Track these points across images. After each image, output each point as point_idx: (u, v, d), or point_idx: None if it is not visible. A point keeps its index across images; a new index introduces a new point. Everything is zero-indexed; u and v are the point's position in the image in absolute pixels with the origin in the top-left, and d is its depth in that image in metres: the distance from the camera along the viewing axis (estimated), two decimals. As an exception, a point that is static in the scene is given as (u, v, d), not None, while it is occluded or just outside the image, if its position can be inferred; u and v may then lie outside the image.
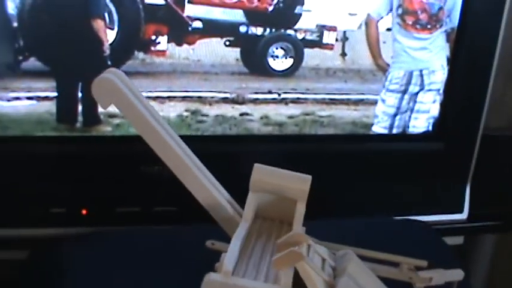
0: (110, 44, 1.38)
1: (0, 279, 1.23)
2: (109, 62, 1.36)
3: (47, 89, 1.35)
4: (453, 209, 1.63)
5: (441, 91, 1.53)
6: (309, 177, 1.05)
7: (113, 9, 1.35)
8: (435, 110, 1.54)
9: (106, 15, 1.35)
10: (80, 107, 1.38)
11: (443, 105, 1.53)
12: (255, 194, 1.07)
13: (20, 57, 1.33)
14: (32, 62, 1.34)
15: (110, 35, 1.37)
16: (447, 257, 1.37)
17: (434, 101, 1.54)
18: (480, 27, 1.48)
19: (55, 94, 1.36)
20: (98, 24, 1.34)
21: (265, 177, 1.03)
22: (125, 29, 1.37)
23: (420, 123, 1.55)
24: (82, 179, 1.39)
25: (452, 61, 1.50)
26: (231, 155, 1.44)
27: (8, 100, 1.35)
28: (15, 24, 1.31)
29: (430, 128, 1.57)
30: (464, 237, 1.69)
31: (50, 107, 1.36)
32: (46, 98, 1.36)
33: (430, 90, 1.52)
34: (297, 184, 1.05)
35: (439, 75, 1.51)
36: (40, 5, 1.31)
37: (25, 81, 1.34)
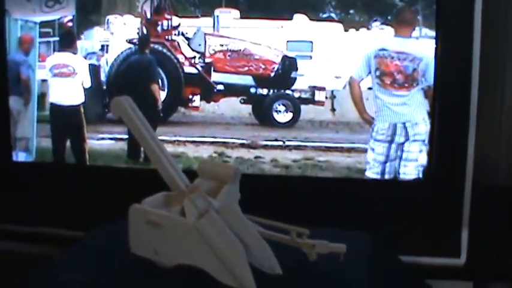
0: (162, 101, 1.37)
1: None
2: (161, 114, 1.34)
3: (122, 132, 1.36)
4: (449, 254, 1.19)
5: (426, 141, 1.20)
6: (236, 167, 0.92)
7: (164, 76, 1.36)
8: (423, 159, 1.21)
9: (160, 81, 1.36)
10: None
11: (429, 154, 1.19)
12: (200, 178, 0.96)
13: (106, 110, 1.38)
14: (113, 113, 1.37)
15: (162, 95, 1.37)
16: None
17: (421, 151, 1.22)
18: (453, 84, 1.17)
19: (126, 136, 1.36)
20: (155, 87, 1.37)
21: (205, 166, 0.92)
22: (172, 90, 1.37)
23: (410, 171, 1.23)
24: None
25: (432, 114, 1.19)
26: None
27: (97, 139, 1.38)
28: (104, 87, 1.37)
29: (421, 175, 1.22)
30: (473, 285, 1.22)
31: (123, 145, 1.37)
32: (121, 139, 1.36)
33: (415, 140, 1.23)
34: (225, 170, 0.92)
35: (422, 127, 1.22)
36: (120, 75, 1.39)
37: (108, 127, 1.37)
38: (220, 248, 0.79)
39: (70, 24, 1.40)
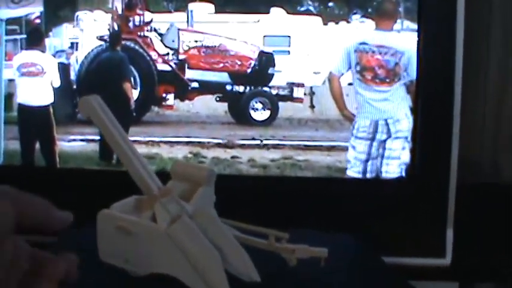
0: (135, 100, 1.30)
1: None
2: (134, 114, 1.27)
3: (93, 133, 1.29)
4: (434, 254, 1.14)
5: (409, 139, 1.14)
6: (211, 168, 0.85)
7: (136, 74, 1.29)
8: (406, 157, 1.15)
9: (132, 79, 1.28)
10: (114, 148, 1.27)
11: (412, 152, 1.14)
12: (173, 181, 0.89)
13: (77, 110, 1.31)
14: (84, 113, 1.29)
15: (135, 94, 1.29)
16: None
17: (403, 148, 1.16)
18: (436, 79, 1.11)
19: (98, 137, 1.28)
20: (127, 86, 1.30)
21: (179, 167, 0.86)
22: (145, 88, 1.30)
23: (392, 169, 1.17)
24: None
25: (415, 110, 1.13)
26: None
27: (68, 141, 1.30)
28: (74, 87, 1.30)
29: (403, 173, 1.16)
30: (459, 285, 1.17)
31: (95, 147, 1.29)
32: (92, 141, 1.29)
33: (397, 137, 1.17)
34: (199, 171, 0.85)
35: (404, 123, 1.16)
36: (90, 73, 1.31)
37: (79, 128, 1.30)
38: (194, 255, 0.72)
39: (38, 21, 1.32)
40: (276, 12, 1.24)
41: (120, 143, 0.84)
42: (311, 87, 1.26)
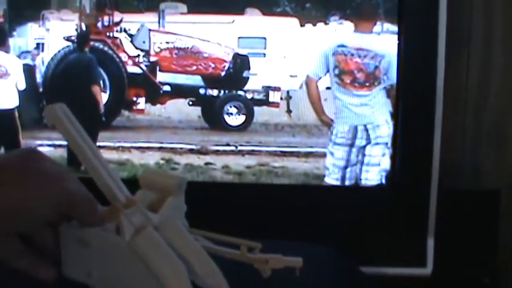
0: (104, 104, 1.22)
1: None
2: (103, 118, 1.20)
3: (61, 138, 1.20)
4: (415, 263, 1.09)
5: (389, 145, 1.09)
6: (181, 177, 0.78)
7: (106, 77, 1.22)
8: (386, 163, 1.10)
9: (101, 82, 1.21)
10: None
11: (392, 158, 1.09)
12: (142, 190, 0.81)
13: (43, 114, 1.22)
14: (50, 117, 1.22)
15: (104, 97, 1.22)
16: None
17: (383, 155, 1.11)
18: (417, 83, 1.07)
19: (66, 143, 1.20)
20: (96, 89, 1.23)
21: (148, 176, 0.79)
22: (114, 92, 1.23)
23: (372, 176, 1.12)
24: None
25: (395, 116, 1.08)
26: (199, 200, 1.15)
27: (35, 146, 1.23)
28: (40, 90, 1.23)
29: (383, 180, 1.11)
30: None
31: (63, 152, 1.22)
32: (60, 146, 1.22)
33: (377, 143, 1.11)
34: (168, 180, 0.78)
35: (384, 129, 1.11)
36: (57, 75, 1.25)
37: (46, 132, 1.22)
38: (158, 268, 0.66)
39: (1, 19, 1.25)
40: (251, 12, 1.18)
41: (87, 155, 0.78)
42: (288, 91, 1.20)
